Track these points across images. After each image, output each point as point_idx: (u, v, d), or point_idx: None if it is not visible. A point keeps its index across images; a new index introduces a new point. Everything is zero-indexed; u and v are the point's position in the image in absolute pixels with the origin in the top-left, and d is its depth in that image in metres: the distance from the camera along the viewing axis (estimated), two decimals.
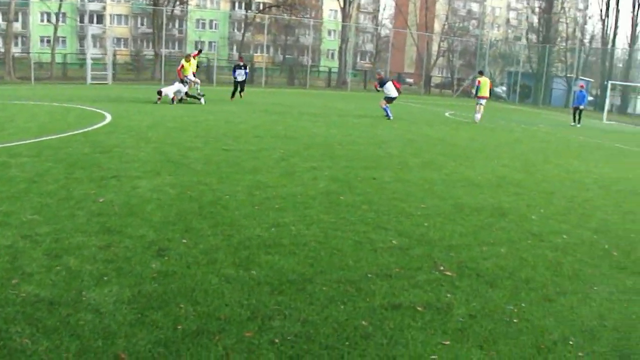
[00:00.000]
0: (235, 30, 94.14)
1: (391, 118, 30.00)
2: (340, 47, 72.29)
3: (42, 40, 75.83)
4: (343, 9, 71.52)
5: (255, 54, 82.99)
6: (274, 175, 13.43)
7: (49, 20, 70.81)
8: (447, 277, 7.91)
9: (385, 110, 30.38)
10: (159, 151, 15.36)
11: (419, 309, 6.81)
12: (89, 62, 47.18)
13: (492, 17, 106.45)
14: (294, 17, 77.96)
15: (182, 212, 9.96)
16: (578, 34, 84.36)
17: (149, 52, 71.22)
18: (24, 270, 7.13)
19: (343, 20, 72.38)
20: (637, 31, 71.33)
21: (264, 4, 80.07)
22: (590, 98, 51.45)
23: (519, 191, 14.00)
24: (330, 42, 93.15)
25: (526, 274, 8.37)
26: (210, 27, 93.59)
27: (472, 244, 9.50)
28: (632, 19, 71.23)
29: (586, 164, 19.97)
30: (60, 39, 75.17)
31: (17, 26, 73.41)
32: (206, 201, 10.77)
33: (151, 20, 68.17)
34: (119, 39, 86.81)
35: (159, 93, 30.27)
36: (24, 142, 16.03)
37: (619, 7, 71.65)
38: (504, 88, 73.29)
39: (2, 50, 53.78)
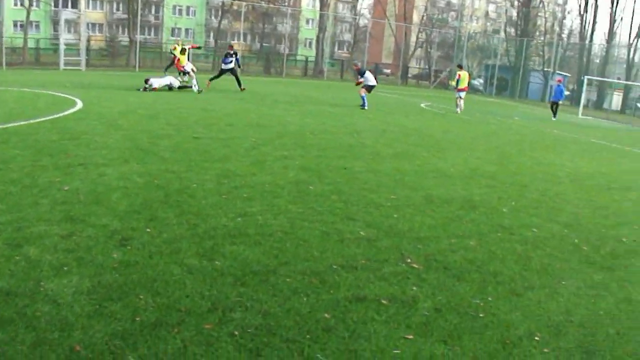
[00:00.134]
0: (213, 17, 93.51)
1: (366, 108, 29.89)
2: (318, 36, 71.97)
3: (15, 25, 74.84)
4: None
5: (232, 42, 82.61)
6: (243, 164, 13.25)
7: (22, 4, 69.91)
8: (414, 270, 7.80)
9: (363, 98, 30.25)
10: (128, 138, 15.13)
11: (383, 302, 6.69)
12: (62, 47, 46.69)
13: (471, 9, 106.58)
14: (271, 5, 77.70)
15: (148, 201, 9.77)
16: (556, 28, 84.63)
17: (124, 38, 70.56)
18: None
19: (321, 9, 72.00)
20: (615, 27, 71.75)
21: None
22: (567, 93, 51.60)
23: (491, 183, 13.93)
24: (308, 31, 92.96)
25: (494, 267, 8.28)
26: (187, 14, 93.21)
27: (441, 236, 9.39)
28: (610, 15, 71.68)
29: (560, 158, 19.94)
30: (34, 23, 74.46)
31: None
32: (173, 190, 10.58)
33: (127, 6, 67.52)
34: (93, 24, 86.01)
35: (146, 82, 29.91)
36: None
37: (598, 3, 72.27)
38: (481, 81, 73.42)
39: None
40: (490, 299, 7.15)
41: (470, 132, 25.21)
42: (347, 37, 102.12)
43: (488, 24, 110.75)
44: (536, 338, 6.24)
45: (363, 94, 30.46)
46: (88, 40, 58.92)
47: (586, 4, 73.38)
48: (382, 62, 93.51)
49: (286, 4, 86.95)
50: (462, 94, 35.50)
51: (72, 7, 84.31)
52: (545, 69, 71.22)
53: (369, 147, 17.56)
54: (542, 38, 78.19)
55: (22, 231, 7.96)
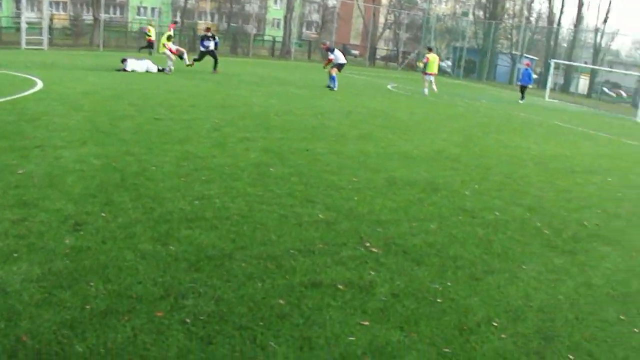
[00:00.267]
0: None
1: (335, 88, 29.73)
2: (285, 16, 71.65)
3: None
4: None
5: (199, 21, 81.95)
6: (204, 145, 13.05)
7: None
8: (373, 254, 7.69)
9: (333, 79, 30.12)
10: (88, 120, 14.84)
11: (340, 287, 6.57)
12: (23, 26, 45.87)
13: None
14: None
15: (104, 184, 9.53)
16: (525, 12, 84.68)
17: (88, 17, 69.62)
18: None
19: None
20: (583, 12, 72.12)
21: None
22: (534, 76, 51.77)
23: (455, 166, 13.86)
24: (276, 11, 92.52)
25: (455, 251, 8.20)
26: None
27: (402, 220, 9.29)
28: None
29: (526, 141, 19.94)
30: None
31: None
32: (130, 172, 10.35)
33: None
34: (57, 3, 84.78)
35: (123, 61, 29.51)
36: None
37: None
38: (449, 63, 73.40)
39: None
40: (449, 283, 7.06)
41: (436, 114, 25.17)
42: (315, 17, 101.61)
43: (457, 6, 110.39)
44: (494, 324, 6.17)
45: (334, 74, 30.28)
46: (51, 19, 58.18)
47: None
48: (350, 43, 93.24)
49: None
50: (431, 78, 35.71)
51: None
52: (513, 52, 71.48)
53: (333, 128, 17.44)
54: (511, 21, 78.33)
55: None
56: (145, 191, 9.37)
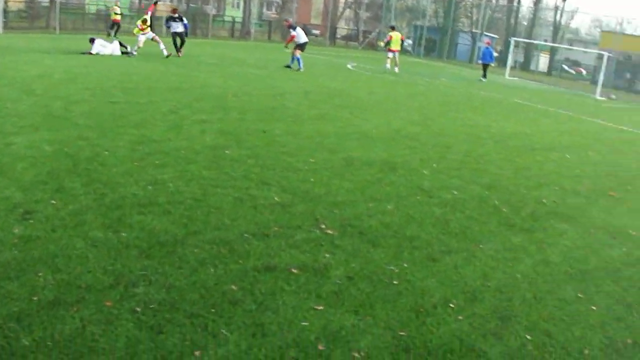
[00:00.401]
0: None
1: (301, 69, 29.57)
2: None
3: None
4: None
5: (159, 2, 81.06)
6: (160, 129, 12.83)
7: None
8: (328, 236, 7.60)
9: (298, 60, 29.96)
10: (41, 105, 14.52)
11: (294, 271, 6.47)
12: None
13: None
14: None
15: (55, 171, 9.29)
16: None
17: (44, 0, 68.63)
18: None
19: None
20: None
21: None
22: (495, 54, 52.03)
23: (414, 145, 13.80)
24: None
25: (412, 231, 8.13)
26: None
27: (358, 200, 9.21)
28: None
29: (485, 119, 19.96)
30: None
31: None
32: (83, 158, 10.11)
33: None
34: None
35: (92, 41, 29.16)
36: None
37: None
38: (410, 42, 73.36)
39: None
40: (405, 265, 6.99)
41: (396, 93, 25.09)
42: None
43: None
44: (451, 305, 6.11)
45: (297, 55, 30.06)
46: (6, 2, 57.26)
47: None
48: (310, 23, 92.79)
49: None
50: (393, 54, 36.50)
51: None
52: (474, 31, 71.62)
53: (291, 109, 17.28)
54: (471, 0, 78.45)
55: None
56: (97, 177, 9.17)
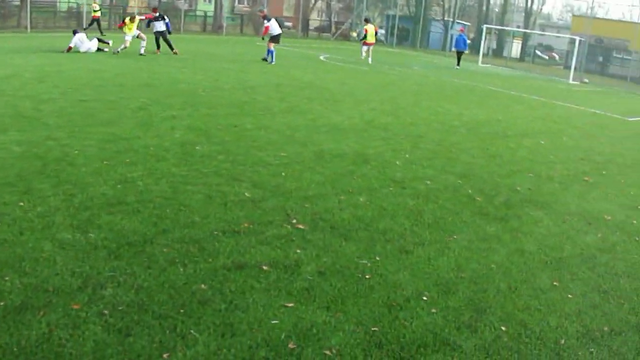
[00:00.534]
0: None
1: (274, 62, 29.40)
2: None
3: None
4: None
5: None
6: (129, 126, 12.69)
7: None
8: (299, 231, 7.54)
9: (271, 53, 29.78)
10: (9, 105, 14.32)
11: (264, 268, 6.41)
12: None
13: None
14: None
15: (24, 172, 9.16)
16: None
17: None
18: None
19: None
20: None
21: None
22: (468, 42, 52.01)
23: (386, 136, 13.75)
24: None
25: (384, 224, 8.09)
26: None
27: (330, 194, 9.16)
28: None
29: (458, 107, 19.93)
30: None
31: None
32: (52, 158, 9.99)
33: None
34: None
35: (75, 33, 28.89)
36: None
37: None
38: (383, 31, 73.26)
39: None
40: (378, 258, 6.94)
41: (367, 83, 24.99)
42: None
43: None
44: (424, 298, 6.06)
45: (272, 48, 29.88)
46: None
47: None
48: (283, 16, 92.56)
49: None
50: (367, 48, 36.77)
51: None
52: (446, 19, 71.66)
53: (262, 102, 17.16)
54: None
55: None
56: (66, 177, 9.06)
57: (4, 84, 17.47)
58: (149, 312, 5.37)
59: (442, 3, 76.77)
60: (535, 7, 76.10)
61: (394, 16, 68.36)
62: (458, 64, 39.65)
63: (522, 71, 47.22)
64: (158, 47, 30.91)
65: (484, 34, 51.65)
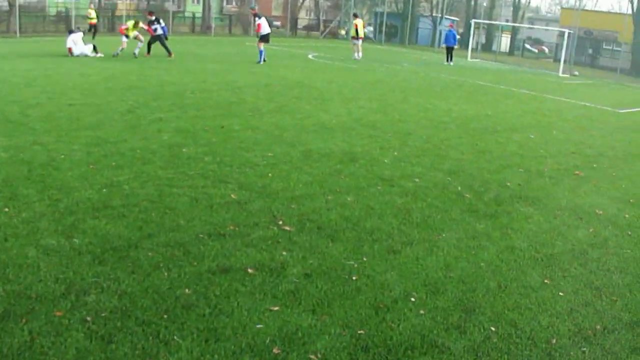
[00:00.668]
0: None
1: (262, 62, 29.33)
2: None
3: None
4: None
5: (118, 2, 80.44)
6: (116, 129, 12.61)
7: None
8: (285, 233, 7.47)
9: (261, 53, 29.69)
10: None
11: (249, 271, 6.34)
12: None
13: None
14: None
15: (9, 178, 9.09)
16: None
17: (4, 3, 67.81)
18: None
19: None
20: None
21: None
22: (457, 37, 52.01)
23: (374, 133, 13.68)
24: None
25: (372, 223, 8.02)
26: None
27: (317, 194, 9.09)
28: None
29: (446, 103, 19.88)
30: None
31: None
32: (38, 163, 9.91)
33: None
34: None
35: (70, 33, 28.81)
36: None
37: None
38: (371, 29, 73.24)
39: None
40: (365, 259, 6.87)
41: (356, 81, 24.90)
42: None
43: None
44: (412, 299, 5.99)
45: (261, 48, 29.80)
46: None
47: None
48: (271, 15, 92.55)
49: None
50: (359, 42, 36.83)
51: None
52: (434, 15, 71.71)
53: (250, 103, 17.07)
54: None
55: None
56: (52, 182, 8.98)
57: None
58: (132, 318, 5.30)
59: None
60: (523, 0, 76.15)
61: (382, 13, 68.34)
62: (449, 60, 39.58)
63: (511, 65, 47.17)
64: (149, 51, 30.70)
65: (472, 29, 51.61)
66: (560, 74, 39.27)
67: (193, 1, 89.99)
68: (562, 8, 71.71)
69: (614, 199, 10.27)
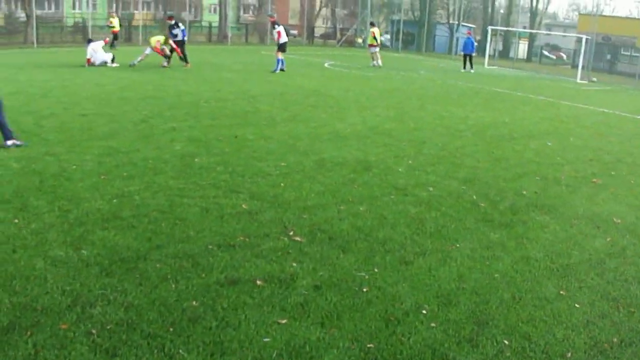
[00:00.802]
0: None
1: (277, 71, 29.29)
2: (220, 1, 70.82)
3: None
4: None
5: (135, 12, 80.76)
6: (129, 139, 12.58)
7: None
8: (296, 244, 7.37)
9: (278, 62, 29.70)
10: (11, 121, 13.96)
11: (258, 283, 6.24)
12: None
13: None
14: None
15: (21, 189, 9.05)
16: None
17: (22, 15, 68.17)
18: None
19: None
20: None
21: None
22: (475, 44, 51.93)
23: (389, 142, 13.58)
24: None
25: (384, 233, 7.91)
26: None
27: (329, 204, 8.99)
28: None
29: (463, 110, 19.75)
30: None
31: None
32: (50, 174, 9.88)
33: None
34: None
35: (88, 42, 29.02)
36: None
37: None
38: (388, 36, 73.22)
39: None
40: (376, 270, 6.75)
41: (372, 89, 24.82)
42: (252, 0, 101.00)
43: None
44: (423, 311, 5.86)
45: (280, 57, 29.77)
46: None
47: None
48: (288, 24, 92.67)
49: None
50: (376, 49, 36.87)
51: None
52: (451, 22, 71.59)
53: (264, 112, 17.02)
54: None
55: None
56: (62, 193, 8.94)
57: (9, 100, 17.25)
58: (138, 331, 5.22)
59: (446, 6, 76.66)
60: (540, 7, 75.99)
61: (398, 21, 68.31)
62: (468, 67, 39.35)
63: (529, 72, 46.97)
64: (186, 60, 30.49)
65: (489, 35, 51.47)
66: (578, 80, 39.07)
67: (210, 10, 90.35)
68: (579, 14, 71.58)
69: (632, 207, 10.10)
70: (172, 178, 9.89)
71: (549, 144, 14.86)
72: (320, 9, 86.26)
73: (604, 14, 61.11)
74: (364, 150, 12.54)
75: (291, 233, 7.68)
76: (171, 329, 5.25)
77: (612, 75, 49.58)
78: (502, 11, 76.28)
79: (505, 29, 63.25)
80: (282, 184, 9.83)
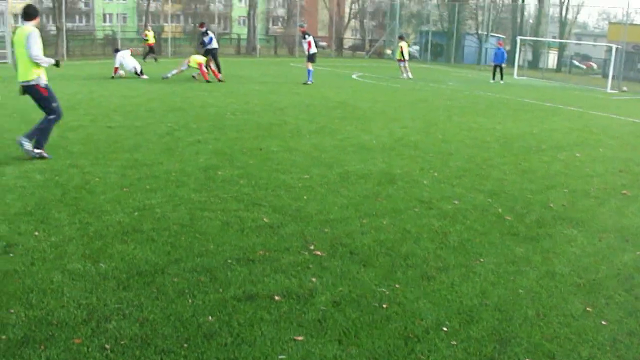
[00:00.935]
0: (144, 1, 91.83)
1: (309, 82, 29.42)
2: (249, 13, 71.02)
3: None
4: None
5: (165, 24, 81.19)
6: (153, 152, 12.58)
7: None
8: (316, 258, 7.25)
9: (309, 73, 29.80)
10: None
11: (276, 298, 6.12)
12: None
13: None
14: None
15: (43, 201, 9.05)
16: None
17: (53, 28, 68.81)
18: None
19: None
20: None
21: None
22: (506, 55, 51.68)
23: (414, 154, 13.45)
24: (241, 9, 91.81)
25: (407, 248, 7.77)
26: None
27: (352, 217, 8.86)
28: None
29: (491, 121, 19.58)
30: None
31: None
32: (72, 186, 9.89)
33: None
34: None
35: (115, 52, 29.20)
36: None
37: None
38: (417, 47, 73.12)
39: None
40: (397, 285, 6.61)
41: (399, 101, 24.73)
42: (281, 12, 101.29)
43: None
44: (444, 329, 5.71)
45: (310, 68, 29.87)
46: (13, 33, 57.24)
47: None
48: (317, 36, 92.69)
49: None
50: (405, 63, 37.37)
51: None
52: (480, 32, 71.34)
53: (290, 124, 16.97)
54: (475, 1, 78.06)
55: None
56: (84, 205, 8.91)
57: (35, 113, 17.31)
58: (152, 346, 5.13)
59: (475, 16, 76.38)
60: (570, 16, 75.42)
61: (427, 32, 68.22)
62: (498, 78, 39.11)
63: (558, 82, 46.56)
64: (219, 69, 30.43)
65: (518, 45, 51.15)
66: (608, 90, 38.70)
67: (239, 22, 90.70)
68: (609, 23, 70.84)
69: None
70: (194, 191, 9.83)
71: (578, 155, 14.65)
72: (349, 21, 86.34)
73: (634, 22, 60.49)
74: (389, 163, 12.43)
75: (312, 247, 7.57)
76: (185, 345, 5.16)
77: None
78: (531, 21, 75.71)
79: (534, 39, 62.84)
80: (304, 197, 9.73)
